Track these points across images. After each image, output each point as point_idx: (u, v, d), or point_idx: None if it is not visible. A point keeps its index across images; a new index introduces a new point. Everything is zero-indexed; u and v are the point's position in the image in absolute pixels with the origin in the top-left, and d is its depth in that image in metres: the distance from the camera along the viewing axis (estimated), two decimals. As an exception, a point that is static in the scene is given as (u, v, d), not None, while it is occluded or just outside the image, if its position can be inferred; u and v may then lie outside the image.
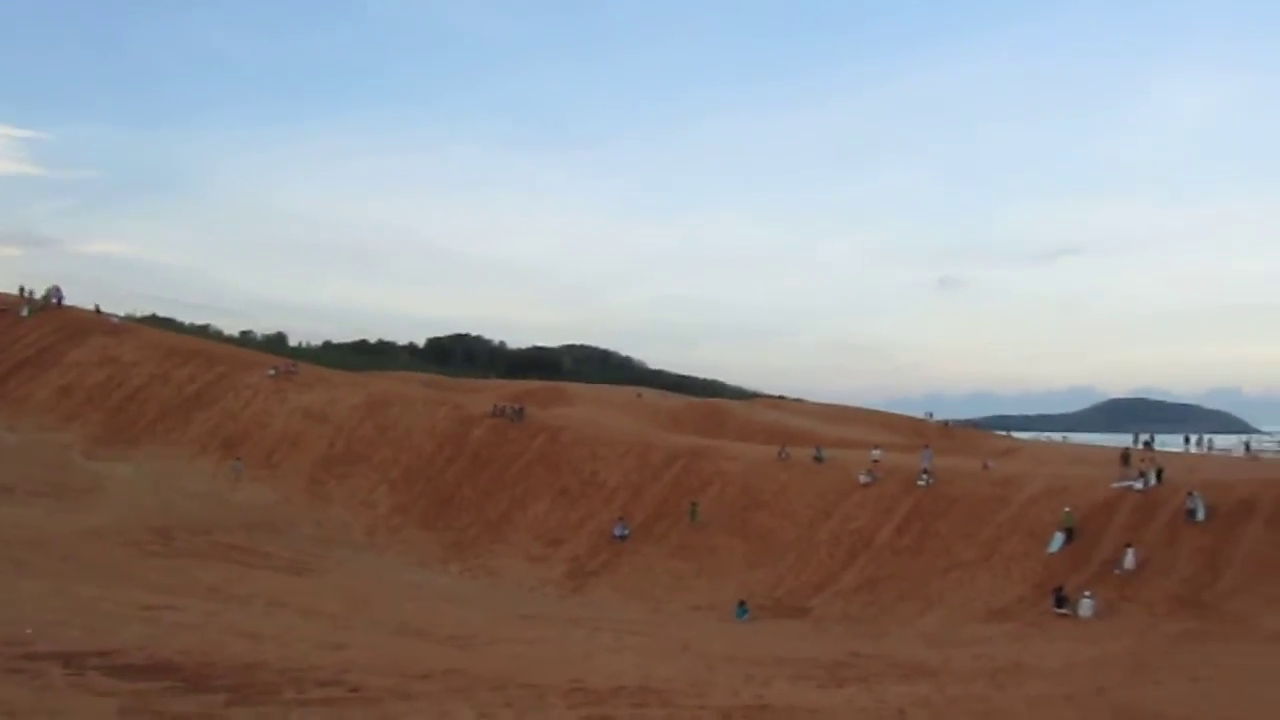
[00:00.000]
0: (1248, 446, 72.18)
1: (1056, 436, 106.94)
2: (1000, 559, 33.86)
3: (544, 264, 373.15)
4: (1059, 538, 33.61)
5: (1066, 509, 34.41)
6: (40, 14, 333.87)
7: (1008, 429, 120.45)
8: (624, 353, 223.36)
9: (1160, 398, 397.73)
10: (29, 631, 13.88)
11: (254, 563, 31.20)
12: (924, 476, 39.97)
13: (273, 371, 56.81)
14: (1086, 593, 29.52)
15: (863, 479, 40.88)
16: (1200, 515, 32.24)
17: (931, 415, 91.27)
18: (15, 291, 66.28)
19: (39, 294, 65.10)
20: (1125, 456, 42.35)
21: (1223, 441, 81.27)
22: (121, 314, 71.94)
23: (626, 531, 40.50)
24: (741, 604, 32.65)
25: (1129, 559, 31.04)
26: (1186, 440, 73.45)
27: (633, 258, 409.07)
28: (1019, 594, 31.57)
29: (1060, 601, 29.56)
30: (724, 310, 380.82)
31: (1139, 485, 35.33)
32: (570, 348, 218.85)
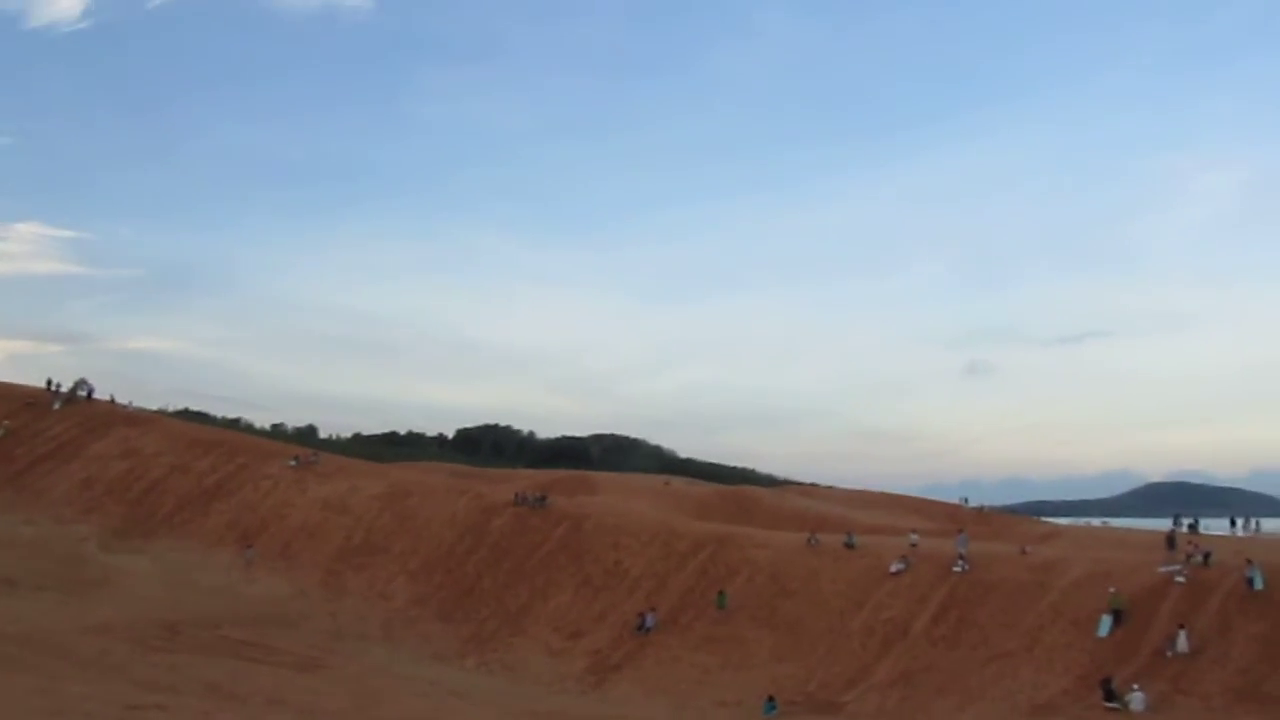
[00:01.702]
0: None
1: (1096, 521, 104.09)
2: (1043, 649, 32.09)
3: (570, 353, 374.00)
4: (1107, 620, 31.88)
5: (1113, 590, 32.78)
6: (77, 117, 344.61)
7: (1044, 514, 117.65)
8: (653, 441, 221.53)
9: (1202, 480, 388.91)
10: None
11: (261, 658, 30.05)
12: (960, 563, 38.38)
13: (293, 461, 56.23)
14: (1136, 685, 27.75)
15: (894, 567, 39.30)
16: (1259, 584, 30.69)
17: (966, 500, 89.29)
18: (44, 385, 66.42)
19: (65, 387, 65.26)
20: (1170, 539, 40.50)
21: (1270, 525, 78.51)
22: (155, 408, 72.19)
23: (653, 623, 39.01)
24: (770, 700, 31.03)
25: (1181, 641, 29.34)
26: (1232, 523, 70.86)
27: (660, 345, 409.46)
28: (1064, 686, 29.76)
29: (1109, 695, 27.77)
30: (753, 397, 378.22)
31: (1185, 570, 33.65)
32: (599, 437, 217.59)
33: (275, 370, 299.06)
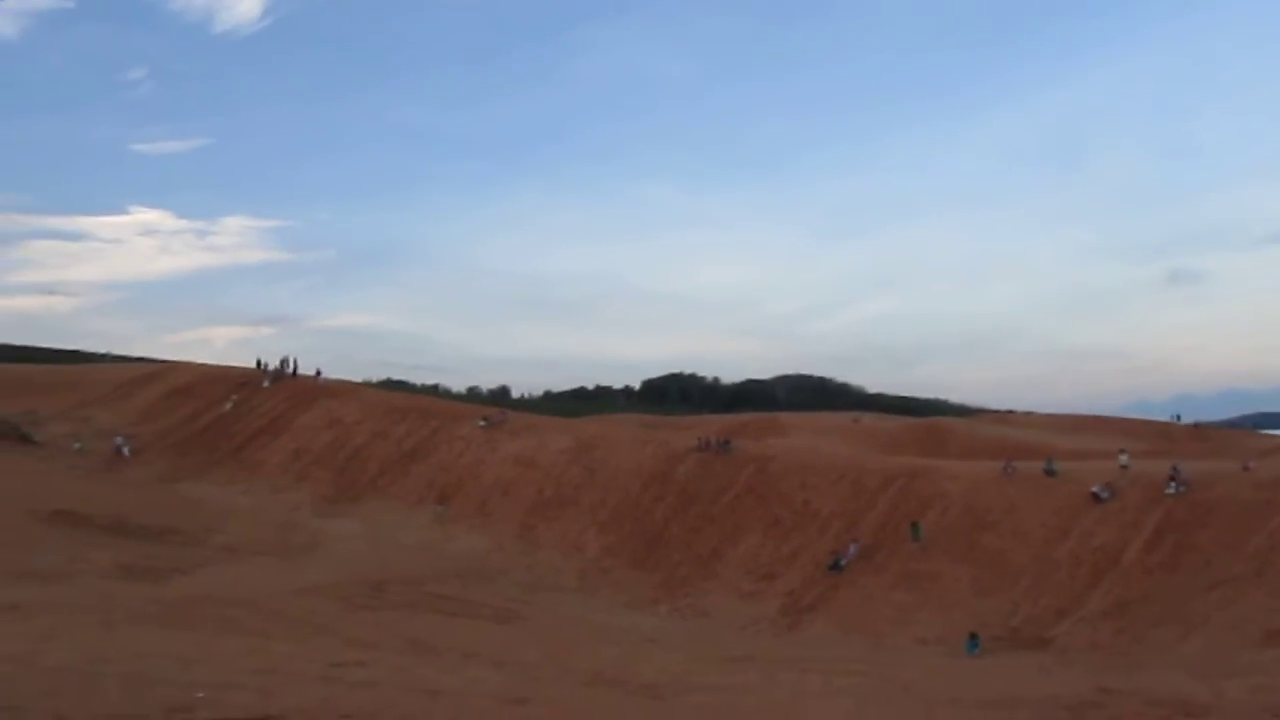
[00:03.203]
0: None
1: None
2: (1275, 572, 29.54)
3: (749, 297, 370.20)
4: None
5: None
6: (268, 113, 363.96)
7: (1268, 428, 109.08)
8: (840, 379, 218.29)
9: None
10: (200, 695, 13.63)
11: (461, 612, 31.09)
12: (1173, 484, 35.76)
13: (483, 422, 57.95)
14: (1388, 608, 25.16)
15: (1098, 491, 36.95)
16: None
17: (1179, 418, 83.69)
18: (254, 365, 70.97)
19: (273, 365, 69.48)
20: None
21: None
22: (358, 380, 76.12)
23: (853, 555, 38.31)
24: (972, 636, 29.84)
25: None
26: None
27: (838, 281, 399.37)
28: (1302, 613, 27.32)
29: (1355, 620, 25.31)
30: (938, 326, 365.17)
31: None
32: (784, 378, 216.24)
33: (467, 337, 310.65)
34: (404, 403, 65.36)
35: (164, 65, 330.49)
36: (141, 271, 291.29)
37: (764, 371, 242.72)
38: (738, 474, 47.46)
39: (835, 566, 38.26)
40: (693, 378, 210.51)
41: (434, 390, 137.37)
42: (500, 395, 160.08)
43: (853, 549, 38.81)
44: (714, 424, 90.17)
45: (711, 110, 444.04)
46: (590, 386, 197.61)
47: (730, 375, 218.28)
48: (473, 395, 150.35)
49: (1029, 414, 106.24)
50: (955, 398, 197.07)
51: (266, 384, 66.09)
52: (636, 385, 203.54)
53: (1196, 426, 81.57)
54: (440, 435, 56.68)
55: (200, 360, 77.79)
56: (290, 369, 69.36)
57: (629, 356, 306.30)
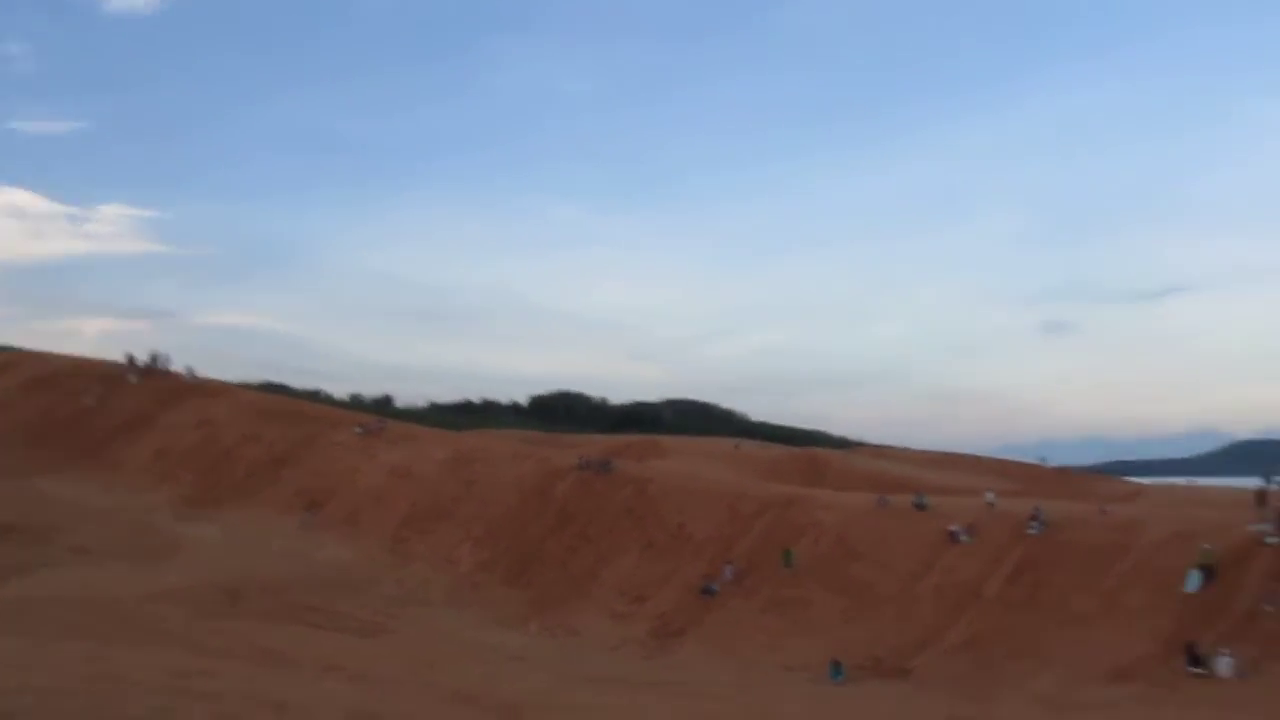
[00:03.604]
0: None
1: (1180, 480, 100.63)
2: (1123, 611, 30.68)
3: (642, 320, 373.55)
4: (1196, 575, 30.31)
5: (1205, 546, 31.12)
6: (151, 99, 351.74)
7: (1126, 474, 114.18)
8: (725, 405, 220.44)
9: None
10: (28, 699, 12.81)
11: (323, 624, 30.17)
12: (1034, 524, 36.95)
13: (359, 429, 56.64)
14: (1225, 649, 26.34)
15: (955, 532, 37.73)
16: None
17: (1045, 460, 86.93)
18: (123, 360, 67.84)
19: (142, 361, 66.57)
20: (1261, 497, 38.55)
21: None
22: (235, 380, 73.61)
23: (728, 577, 38.52)
24: (836, 664, 30.21)
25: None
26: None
27: (730, 309, 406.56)
28: (1146, 650, 28.37)
29: (1195, 660, 26.43)
30: (824, 360, 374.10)
31: (1277, 530, 31.84)
32: (672, 402, 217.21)
33: (354, 343, 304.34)
34: (279, 405, 63.50)
35: (48, 42, 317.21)
36: (8, 254, 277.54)
37: (652, 394, 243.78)
38: (616, 494, 47.34)
39: (707, 591, 38.39)
40: (581, 397, 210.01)
41: (314, 396, 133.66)
42: (383, 404, 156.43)
43: (727, 573, 39.03)
44: (597, 444, 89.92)
45: (619, 130, 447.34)
46: (477, 400, 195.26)
47: (619, 396, 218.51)
48: (355, 403, 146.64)
49: (905, 449, 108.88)
50: (836, 430, 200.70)
51: (134, 380, 63.34)
52: (525, 401, 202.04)
53: (1060, 470, 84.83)
54: (315, 441, 55.20)
55: (67, 352, 73.91)
56: (161, 365, 66.65)
57: (519, 372, 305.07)
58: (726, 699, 23.44)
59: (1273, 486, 48.13)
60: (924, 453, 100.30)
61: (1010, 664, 29.52)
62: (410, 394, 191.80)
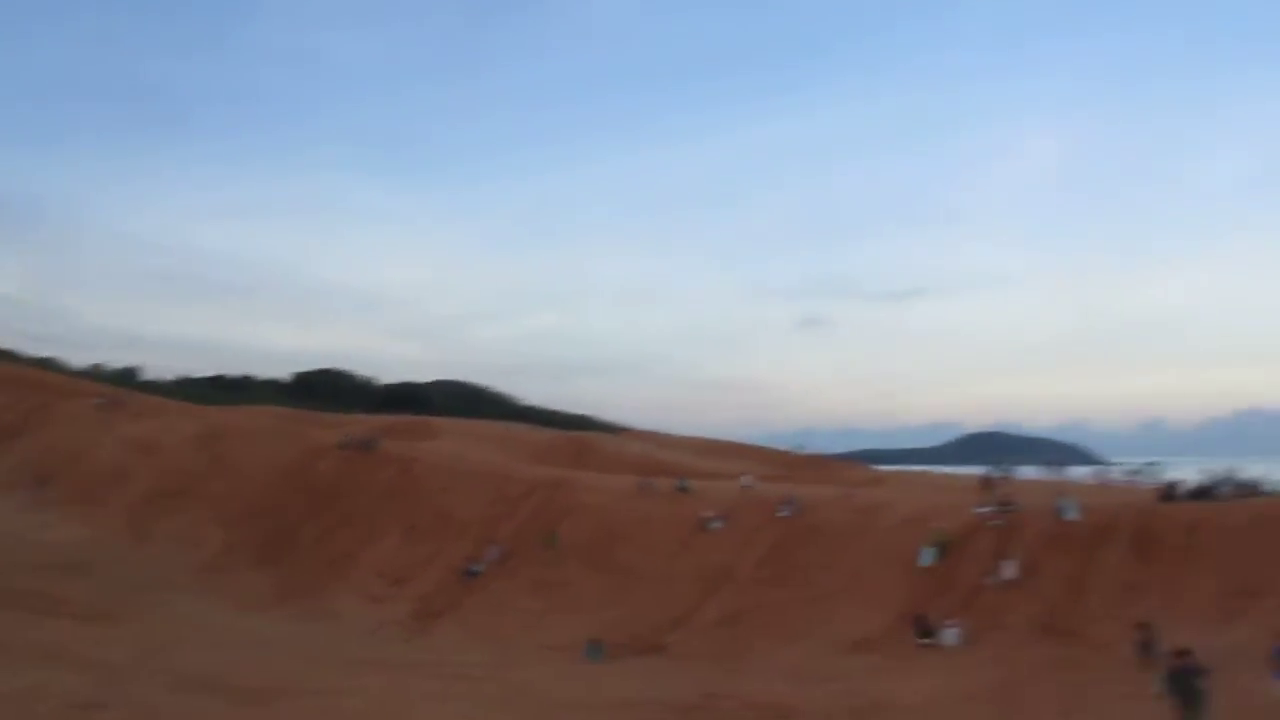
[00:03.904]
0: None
1: (920, 469, 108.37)
2: (864, 588, 32.63)
3: (414, 298, 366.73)
4: (930, 553, 32.70)
5: (938, 527, 33.67)
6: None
7: (873, 462, 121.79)
8: (496, 388, 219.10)
9: (1016, 431, 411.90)
10: None
11: (47, 610, 27.66)
12: (785, 507, 38.70)
13: (99, 400, 52.49)
14: (950, 621, 28.52)
15: (708, 518, 38.97)
16: (1072, 514, 32.13)
17: (801, 448, 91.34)
18: None
19: None
20: (986, 483, 42.05)
21: (1076, 472, 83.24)
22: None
23: (493, 557, 38.17)
24: (593, 642, 30.57)
25: (1004, 571, 30.50)
26: (1043, 469, 74.86)
27: (504, 292, 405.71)
28: (883, 624, 30.29)
29: (924, 631, 28.46)
30: (597, 346, 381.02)
31: (999, 512, 34.77)
32: (441, 383, 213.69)
33: (95, 308, 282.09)
34: (4, 373, 57.90)
35: None
36: None
37: (421, 375, 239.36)
38: (379, 474, 46.09)
39: (470, 572, 37.99)
40: (345, 375, 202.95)
41: (46, 364, 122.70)
42: (127, 376, 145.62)
43: (494, 553, 38.72)
44: (362, 423, 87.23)
45: (398, 106, 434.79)
46: (233, 374, 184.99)
47: (387, 375, 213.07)
48: (95, 373, 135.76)
49: (672, 435, 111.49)
50: (605, 415, 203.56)
51: None
52: (286, 378, 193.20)
53: (814, 457, 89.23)
54: (46, 412, 50.73)
55: None
56: None
57: (280, 347, 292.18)
58: (482, 678, 23.20)
59: (996, 474, 52.68)
60: (689, 438, 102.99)
61: (761, 640, 30.78)
62: (163, 367, 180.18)
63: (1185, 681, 15.29)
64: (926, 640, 28.14)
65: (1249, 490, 36.30)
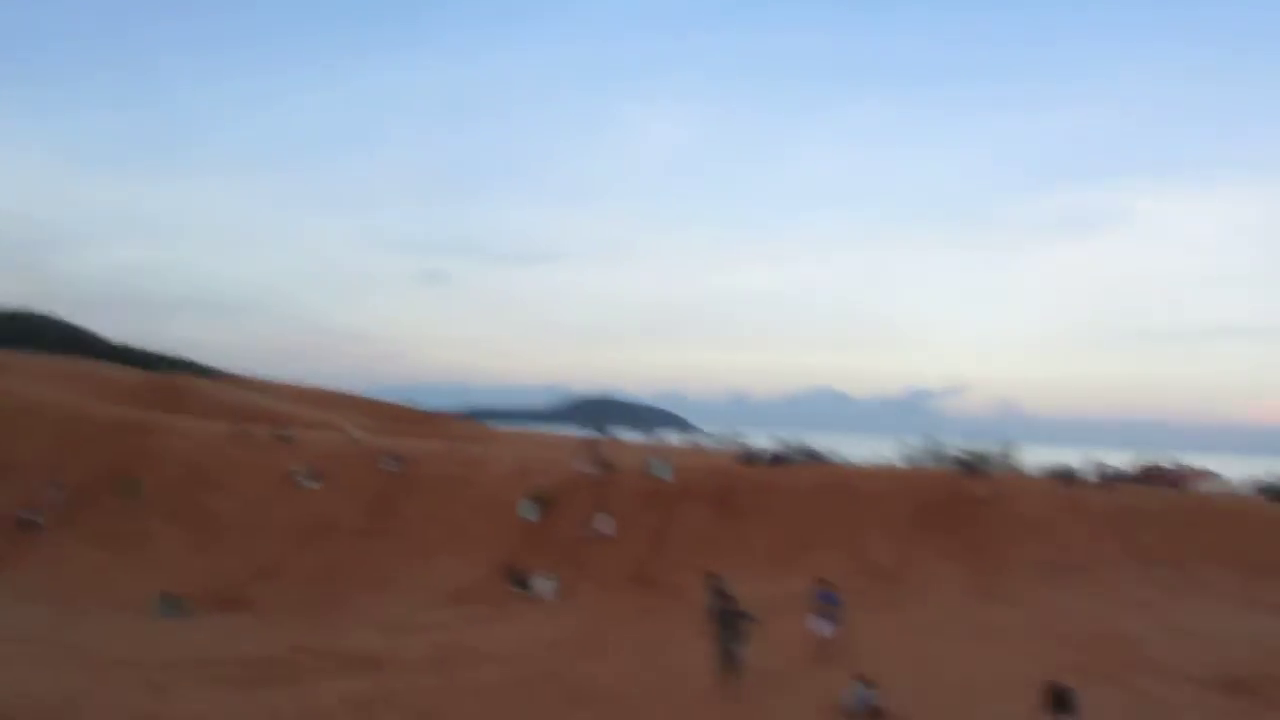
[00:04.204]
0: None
1: (530, 428, 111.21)
2: (465, 541, 32.90)
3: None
4: (531, 506, 33.65)
5: (539, 483, 34.86)
6: None
7: (485, 420, 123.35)
8: (81, 324, 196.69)
9: (622, 397, 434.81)
10: None
11: None
12: (390, 459, 38.07)
13: None
14: (547, 572, 29.54)
15: (297, 473, 37.51)
16: (664, 474, 34.64)
17: (413, 402, 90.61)
18: None
19: None
20: (587, 444, 43.96)
21: (671, 438, 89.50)
22: None
23: (41, 519, 33.99)
24: (168, 597, 28.29)
25: (598, 525, 32.08)
26: (642, 433, 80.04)
27: (94, 216, 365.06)
28: (482, 575, 30.72)
29: (519, 582, 29.24)
30: (201, 284, 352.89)
31: (597, 470, 36.45)
32: (13, 316, 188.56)
33: None
34: None
35: None
36: None
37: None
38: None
39: (28, 523, 33.78)
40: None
41: None
42: None
43: (58, 500, 34.61)
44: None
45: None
46: None
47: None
48: None
49: (277, 383, 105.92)
50: (205, 359, 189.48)
51: None
52: None
53: (425, 413, 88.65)
54: None
55: None
56: None
57: None
58: (30, 639, 20.71)
59: (597, 436, 55.45)
60: (295, 387, 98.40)
61: (361, 594, 30.03)
62: None
63: (729, 620, 17.94)
64: (521, 590, 28.91)
65: (815, 459, 41.38)
